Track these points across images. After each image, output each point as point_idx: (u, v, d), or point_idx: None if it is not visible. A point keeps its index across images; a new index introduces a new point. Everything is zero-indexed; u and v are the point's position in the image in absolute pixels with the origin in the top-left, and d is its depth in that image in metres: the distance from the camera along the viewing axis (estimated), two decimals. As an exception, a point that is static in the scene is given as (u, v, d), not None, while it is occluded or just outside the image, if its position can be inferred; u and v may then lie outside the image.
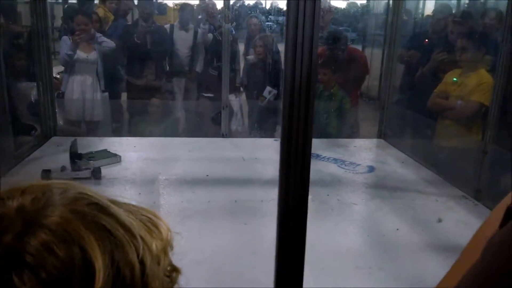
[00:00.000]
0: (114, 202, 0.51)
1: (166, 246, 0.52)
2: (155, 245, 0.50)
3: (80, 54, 3.73)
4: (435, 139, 3.12)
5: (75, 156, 2.54)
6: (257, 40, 4.09)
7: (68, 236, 0.42)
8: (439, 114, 3.10)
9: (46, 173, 2.40)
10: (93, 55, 3.77)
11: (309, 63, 0.93)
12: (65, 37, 3.79)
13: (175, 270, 0.54)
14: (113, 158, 2.76)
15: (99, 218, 0.46)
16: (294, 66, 0.94)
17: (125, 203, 0.53)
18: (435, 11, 4.31)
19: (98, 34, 3.81)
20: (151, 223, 0.52)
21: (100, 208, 0.47)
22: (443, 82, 3.04)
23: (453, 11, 4.01)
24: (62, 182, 0.50)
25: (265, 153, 3.01)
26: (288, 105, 0.95)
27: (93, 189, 0.50)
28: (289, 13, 0.93)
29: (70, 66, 3.75)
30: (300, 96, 0.95)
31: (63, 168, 2.52)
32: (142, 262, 0.46)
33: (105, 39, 3.83)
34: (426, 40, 3.76)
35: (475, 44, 2.90)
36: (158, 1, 5.66)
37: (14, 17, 3.78)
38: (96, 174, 2.48)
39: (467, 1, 4.58)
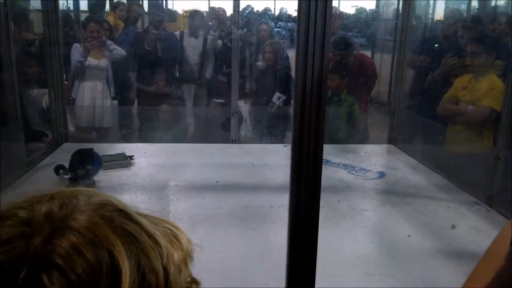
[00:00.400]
0: (138, 212, 0.52)
1: (187, 257, 0.53)
2: (176, 255, 0.51)
3: (91, 60, 3.77)
4: (446, 145, 3.10)
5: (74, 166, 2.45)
6: (266, 46, 4.10)
7: (96, 239, 0.43)
8: (449, 120, 3.08)
9: (58, 169, 2.47)
10: (103, 62, 3.82)
11: (320, 68, 0.93)
12: (76, 44, 3.84)
13: (194, 282, 0.55)
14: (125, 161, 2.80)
15: (125, 224, 0.47)
16: (305, 72, 0.94)
17: (147, 215, 0.53)
18: (445, 16, 4.29)
19: (109, 42, 3.86)
20: (172, 235, 0.53)
21: (126, 214, 0.48)
22: (454, 87, 3.02)
23: (464, 16, 3.99)
24: (89, 190, 0.51)
25: (274, 159, 3.01)
26: (299, 111, 0.95)
27: (117, 198, 0.51)
28: (300, 18, 0.93)
29: (81, 73, 3.80)
30: (312, 102, 0.95)
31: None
32: (165, 270, 0.47)
33: (116, 47, 3.88)
34: (436, 45, 3.75)
35: (485, 49, 2.88)
36: (168, 8, 5.71)
37: (26, 25, 3.84)
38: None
39: (477, 6, 4.56)
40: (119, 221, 0.47)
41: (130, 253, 0.44)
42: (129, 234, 0.46)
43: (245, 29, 3.40)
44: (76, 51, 3.75)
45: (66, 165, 2.50)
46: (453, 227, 2.09)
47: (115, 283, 0.42)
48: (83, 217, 0.45)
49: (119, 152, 2.96)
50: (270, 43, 4.15)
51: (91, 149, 2.55)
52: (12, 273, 0.40)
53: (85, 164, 2.44)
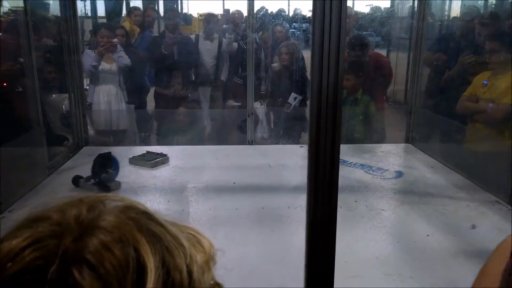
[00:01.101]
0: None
1: (209, 260, 0.55)
2: (199, 257, 0.53)
3: (104, 65, 3.88)
4: (465, 143, 3.05)
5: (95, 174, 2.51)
6: (282, 47, 4.11)
7: (123, 237, 0.46)
8: (468, 118, 3.03)
9: (77, 180, 2.53)
10: (115, 66, 3.94)
11: (336, 69, 0.94)
12: (88, 51, 3.98)
13: (217, 285, 0.57)
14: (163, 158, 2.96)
15: (150, 225, 0.49)
16: (321, 73, 0.94)
17: (169, 221, 0.56)
18: (462, 14, 4.23)
19: (119, 47, 3.95)
20: (195, 239, 0.56)
21: (150, 216, 0.51)
22: (473, 85, 2.97)
23: (481, 12, 3.93)
24: (114, 196, 0.54)
25: (291, 160, 3.01)
26: (315, 112, 0.96)
27: (142, 203, 0.54)
28: (315, 19, 0.94)
29: (95, 77, 3.91)
30: (328, 102, 0.95)
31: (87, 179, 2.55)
32: (189, 268, 0.49)
33: (123, 54, 3.98)
34: (452, 43, 3.69)
35: (504, 46, 2.83)
36: (184, 12, 5.76)
37: (46, 32, 3.92)
38: (104, 190, 2.42)
39: (494, 2, 4.48)
40: (144, 221, 0.49)
41: (155, 251, 0.46)
42: (154, 233, 0.49)
43: (260, 32, 3.41)
44: (88, 56, 3.86)
45: (82, 173, 2.58)
46: (473, 227, 2.06)
47: (141, 278, 0.44)
48: (110, 217, 0.48)
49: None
50: (286, 44, 4.15)
51: (110, 153, 2.61)
52: (44, 268, 0.42)
53: (106, 168, 2.51)
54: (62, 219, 0.47)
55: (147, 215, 0.51)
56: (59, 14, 3.27)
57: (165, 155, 3.02)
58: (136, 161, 2.94)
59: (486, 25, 3.13)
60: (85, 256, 0.43)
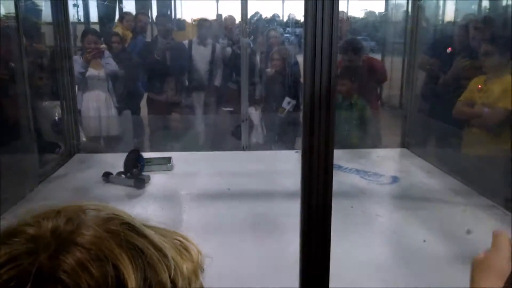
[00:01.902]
0: (146, 225, 0.52)
1: (197, 269, 0.53)
2: (185, 267, 0.51)
3: (92, 71, 3.88)
4: (462, 148, 3.04)
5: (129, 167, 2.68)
6: (273, 53, 4.11)
7: (102, 254, 0.44)
8: (464, 122, 3.03)
9: (107, 175, 2.68)
10: (103, 72, 3.93)
11: (329, 73, 0.91)
12: (76, 57, 3.94)
13: None
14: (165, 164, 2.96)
15: (131, 238, 0.47)
16: (313, 77, 0.92)
17: (156, 227, 0.54)
18: (457, 18, 4.25)
19: (107, 53, 3.94)
20: (182, 246, 0.54)
21: (133, 228, 0.49)
22: (469, 89, 2.97)
23: (475, 16, 3.94)
24: (95, 204, 0.52)
25: (286, 166, 2.98)
26: (308, 117, 0.94)
27: (126, 212, 0.52)
28: (306, 23, 0.92)
29: (84, 84, 3.90)
30: (321, 107, 0.93)
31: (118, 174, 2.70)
32: (173, 282, 0.47)
33: (110, 61, 3.97)
34: (449, 48, 3.69)
35: (499, 49, 2.83)
36: (177, 17, 5.75)
37: (38, 38, 3.90)
38: (139, 184, 2.59)
39: (488, 6, 4.50)
40: (126, 234, 0.47)
41: (136, 267, 0.44)
42: (136, 247, 0.46)
43: (252, 37, 3.41)
44: (76, 63, 3.84)
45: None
46: (468, 232, 2.04)
47: None
48: (89, 232, 0.45)
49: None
50: (278, 50, 4.15)
51: (138, 150, 2.79)
52: None
53: (136, 163, 2.67)
54: (38, 234, 0.45)
55: (130, 227, 0.49)
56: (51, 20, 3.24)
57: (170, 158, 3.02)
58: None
59: (481, 29, 3.13)
60: (59, 275, 0.41)
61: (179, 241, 0.55)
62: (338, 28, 0.93)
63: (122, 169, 2.73)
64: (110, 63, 3.98)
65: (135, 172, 2.64)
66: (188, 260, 0.52)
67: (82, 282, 0.41)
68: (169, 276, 0.47)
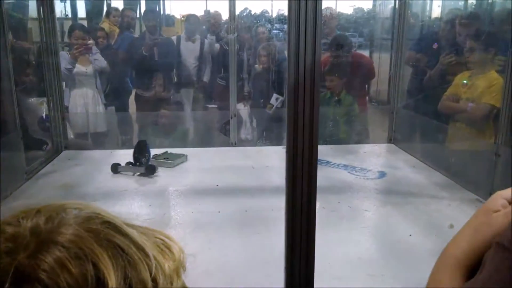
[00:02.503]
0: (128, 223, 0.52)
1: (179, 268, 0.53)
2: (167, 266, 0.51)
3: (79, 67, 3.83)
4: (447, 143, 3.08)
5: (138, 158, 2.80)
6: (261, 49, 4.10)
7: (81, 253, 0.43)
8: (449, 117, 3.06)
9: (115, 166, 2.77)
10: (91, 68, 3.88)
11: (312, 69, 0.92)
12: (63, 52, 3.88)
13: None
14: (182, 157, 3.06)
15: (112, 236, 0.47)
16: (297, 73, 0.93)
17: (138, 226, 0.54)
18: (443, 14, 4.28)
19: (95, 49, 3.89)
20: (164, 245, 0.54)
21: (114, 227, 0.49)
22: (454, 84, 3.00)
23: (461, 13, 3.97)
24: (77, 202, 0.51)
25: (274, 161, 3.00)
26: (292, 112, 0.94)
27: (107, 210, 0.52)
28: (290, 19, 0.92)
29: (71, 80, 3.85)
30: (305, 102, 0.94)
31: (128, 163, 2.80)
32: (154, 281, 0.47)
33: (98, 57, 3.93)
34: (436, 44, 3.72)
35: (483, 45, 2.87)
36: (166, 13, 5.71)
37: (24, 34, 3.85)
38: (150, 171, 2.73)
39: (474, 2, 4.54)
40: (106, 233, 0.47)
41: (116, 266, 0.44)
42: (116, 246, 0.46)
43: (236, 34, 3.39)
44: (63, 59, 3.78)
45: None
46: (451, 226, 2.07)
47: None
48: (68, 230, 0.45)
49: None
50: (265, 46, 4.14)
51: (145, 141, 2.88)
52: None
53: (144, 153, 2.80)
54: (17, 233, 0.45)
55: (110, 225, 0.48)
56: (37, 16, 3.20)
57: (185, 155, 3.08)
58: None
59: (466, 25, 3.17)
60: (38, 275, 0.41)
61: (161, 240, 0.54)
62: (321, 24, 0.94)
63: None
64: (99, 59, 3.94)
65: (143, 161, 2.76)
66: (170, 259, 0.52)
67: (61, 281, 0.41)
68: (150, 275, 0.47)
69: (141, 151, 2.79)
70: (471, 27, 3.15)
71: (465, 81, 2.90)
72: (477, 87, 2.81)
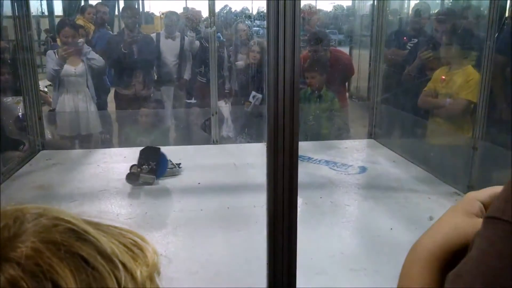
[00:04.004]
0: (95, 225, 0.48)
1: (152, 272, 0.49)
2: (139, 272, 0.47)
3: (68, 68, 3.59)
4: (426, 137, 3.13)
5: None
6: (253, 45, 4.07)
7: (38, 270, 0.39)
8: (428, 113, 3.11)
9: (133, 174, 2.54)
10: (80, 68, 3.67)
11: (292, 66, 0.92)
12: (50, 52, 3.67)
13: None
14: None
15: (75, 248, 0.42)
16: (277, 70, 0.93)
17: (107, 226, 0.49)
18: (413, 10, 4.35)
19: (86, 47, 3.73)
20: (136, 247, 0.49)
21: (77, 235, 0.44)
22: (433, 80, 3.05)
23: (435, 10, 4.04)
24: (37, 207, 0.46)
25: (256, 158, 2.99)
26: (272, 109, 0.94)
27: (71, 213, 0.47)
28: (269, 16, 0.92)
29: (59, 82, 3.63)
30: (285, 99, 0.94)
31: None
32: None
33: (94, 55, 3.72)
34: (413, 39, 3.78)
35: (459, 41, 2.92)
36: (145, 10, 5.64)
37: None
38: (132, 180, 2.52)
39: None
40: (68, 244, 0.42)
41: (79, 280, 0.40)
42: (80, 259, 0.42)
43: (214, 27, 3.34)
44: (50, 59, 3.58)
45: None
46: (430, 218, 2.11)
47: None
48: (25, 243, 0.40)
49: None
50: (257, 42, 4.09)
51: (159, 149, 2.61)
52: None
53: (149, 161, 2.54)
54: None
55: (74, 233, 0.44)
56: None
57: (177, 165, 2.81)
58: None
59: (443, 22, 3.22)
60: None
61: (133, 241, 0.50)
62: (300, 23, 0.94)
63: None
64: (96, 58, 3.71)
65: (144, 168, 2.54)
66: (143, 263, 0.48)
67: None
68: (119, 286, 0.43)
69: (146, 158, 2.55)
70: (447, 23, 3.20)
71: (443, 77, 2.95)
72: (454, 82, 2.86)
